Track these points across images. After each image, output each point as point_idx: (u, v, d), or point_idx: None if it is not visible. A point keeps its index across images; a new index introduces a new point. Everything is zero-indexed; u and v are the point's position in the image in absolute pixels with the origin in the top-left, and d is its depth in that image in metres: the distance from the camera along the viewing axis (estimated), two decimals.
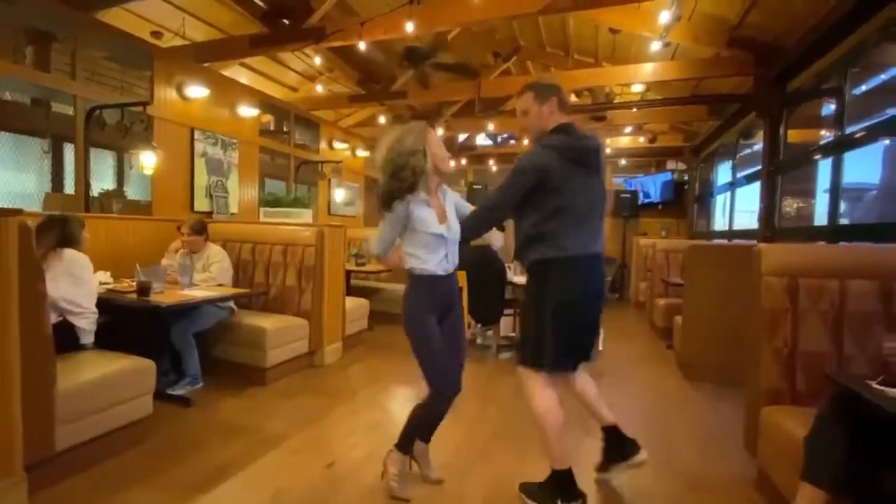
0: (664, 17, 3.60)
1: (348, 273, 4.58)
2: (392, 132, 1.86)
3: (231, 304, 3.23)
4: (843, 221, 3.51)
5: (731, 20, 4.02)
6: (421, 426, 1.99)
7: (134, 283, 2.74)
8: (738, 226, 5.90)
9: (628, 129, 7.44)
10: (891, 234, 2.67)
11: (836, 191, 3.28)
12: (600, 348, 3.92)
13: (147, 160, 3.81)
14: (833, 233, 3.27)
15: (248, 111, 5.03)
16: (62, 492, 1.90)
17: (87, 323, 2.33)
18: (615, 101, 6.22)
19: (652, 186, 8.52)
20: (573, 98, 6.49)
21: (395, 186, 1.78)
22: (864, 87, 3.63)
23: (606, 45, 5.51)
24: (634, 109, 6.42)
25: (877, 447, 1.36)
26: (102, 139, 4.25)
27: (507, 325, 4.70)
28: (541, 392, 1.88)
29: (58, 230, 2.32)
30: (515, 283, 3.98)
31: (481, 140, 7.66)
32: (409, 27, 3.61)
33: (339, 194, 7.16)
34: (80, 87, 3.69)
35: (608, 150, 8.78)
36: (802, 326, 2.02)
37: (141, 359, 2.30)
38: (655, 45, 4.19)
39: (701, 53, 4.56)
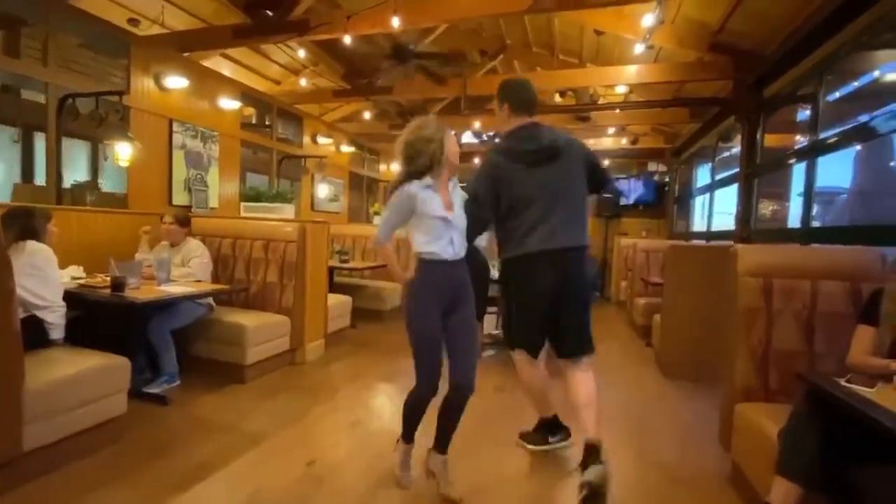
0: (648, 20, 3.64)
1: (331, 270, 4.54)
2: (413, 121, 1.90)
3: (210, 300, 3.16)
4: (816, 224, 3.62)
5: (713, 25, 4.10)
6: (408, 416, 1.98)
7: (108, 278, 2.66)
8: (716, 226, 6.04)
9: (611, 131, 7.54)
10: (859, 237, 2.77)
11: (809, 194, 3.38)
12: None
13: (123, 152, 3.69)
14: (806, 235, 3.37)
15: (229, 104, 4.93)
16: (31, 492, 1.83)
17: (55, 317, 2.25)
18: (599, 102, 6.29)
19: (635, 188, 8.66)
20: (557, 98, 6.54)
21: (409, 170, 1.83)
22: (837, 94, 3.76)
23: (591, 46, 5.56)
24: (617, 111, 6.51)
25: (849, 443, 1.40)
26: (76, 129, 4.11)
27: (490, 323, 4.72)
28: (521, 367, 2.29)
29: (20, 222, 2.24)
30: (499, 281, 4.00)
31: (467, 138, 7.69)
32: (395, 22, 3.58)
33: (323, 190, 7.08)
34: (52, 74, 3.55)
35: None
36: (776, 325, 2.08)
37: (114, 356, 2.24)
38: (639, 48, 4.25)
39: (683, 57, 4.65)
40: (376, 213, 6.41)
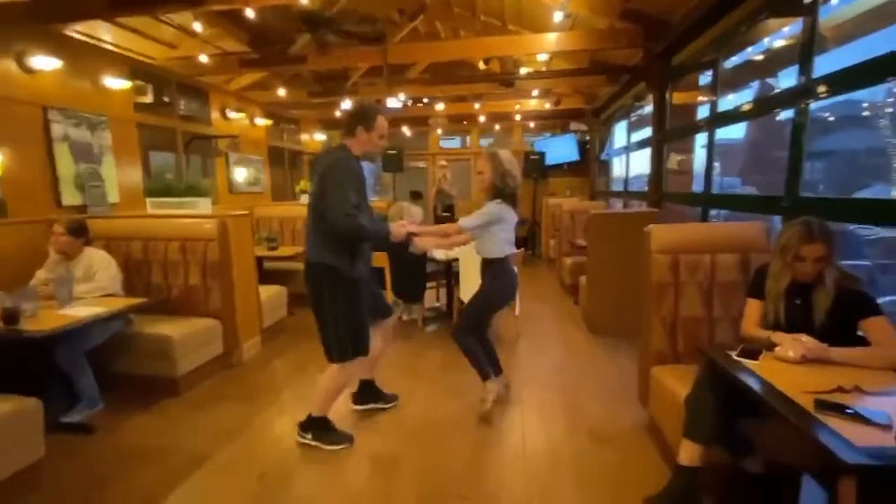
0: None
1: (260, 260, 4.33)
2: (505, 153, 2.61)
3: None
4: (716, 174, 4.00)
5: None
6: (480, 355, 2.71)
7: None
8: (634, 176, 6.48)
9: (535, 93, 7.63)
10: (748, 204, 3.13)
11: (710, 164, 3.72)
12: (516, 313, 4.19)
13: None
14: (707, 200, 3.75)
15: (117, 82, 4.33)
16: None
17: None
18: (522, 70, 6.33)
19: (558, 147, 8.95)
20: (482, 65, 6.47)
21: (502, 185, 2.54)
22: (735, 59, 4.08)
23: (512, 7, 5.49)
24: (539, 80, 6.61)
25: (739, 402, 1.65)
26: None
27: (430, 297, 4.81)
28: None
29: None
30: (436, 258, 4.06)
31: (392, 103, 7.42)
32: None
33: (241, 172, 6.58)
34: None
35: (518, 117, 8.99)
36: (682, 296, 2.33)
37: (22, 398, 2.02)
38: (557, 16, 4.27)
39: (597, 24, 4.74)
40: (303, 192, 6.10)
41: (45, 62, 3.57)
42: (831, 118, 11.65)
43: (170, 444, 2.43)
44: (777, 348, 1.70)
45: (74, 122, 3.88)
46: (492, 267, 2.64)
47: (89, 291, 2.84)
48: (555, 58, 5.90)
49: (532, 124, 9.63)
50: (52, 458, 2.14)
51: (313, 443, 2.37)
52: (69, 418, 2.57)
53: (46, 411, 2.10)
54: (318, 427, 2.39)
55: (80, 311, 2.50)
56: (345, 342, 2.28)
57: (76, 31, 4.45)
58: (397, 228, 2.39)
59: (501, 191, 2.53)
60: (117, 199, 4.31)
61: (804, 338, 1.65)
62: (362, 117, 2.28)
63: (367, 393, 2.78)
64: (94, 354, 2.73)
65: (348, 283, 2.25)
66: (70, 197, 3.82)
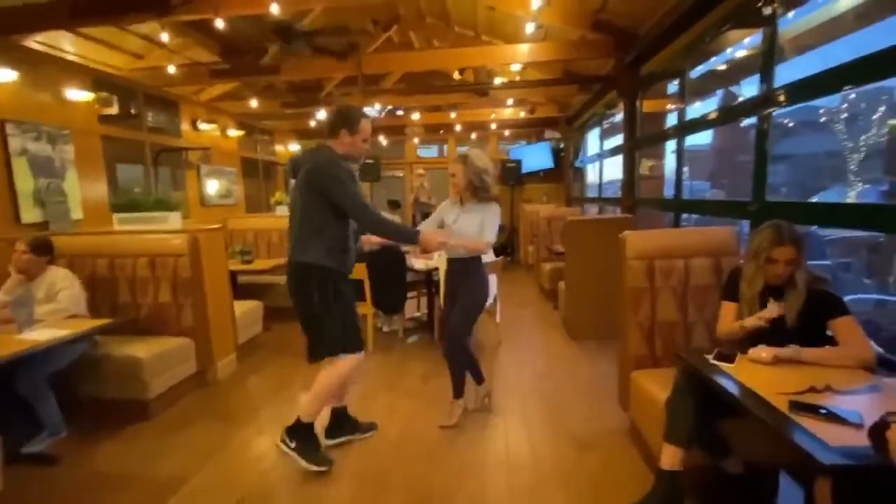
0: (536, 2, 3.72)
1: (234, 274, 4.22)
2: (475, 152, 2.60)
3: None
4: (685, 179, 4.11)
5: (595, 3, 4.30)
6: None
7: None
8: (607, 182, 6.61)
9: (510, 102, 7.74)
10: (718, 208, 3.23)
11: (679, 172, 3.84)
12: (497, 320, 4.19)
13: None
14: (678, 205, 3.86)
15: (79, 94, 4.17)
16: None
17: None
18: (496, 79, 6.42)
19: (534, 155, 9.07)
20: (456, 75, 6.52)
21: (479, 183, 2.52)
22: (700, 68, 4.23)
23: (485, 18, 5.56)
24: (512, 90, 6.70)
25: (715, 404, 1.68)
26: None
27: (410, 307, 4.77)
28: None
29: None
30: (416, 268, 4.03)
31: (368, 112, 7.43)
32: (275, 8, 3.23)
33: (213, 185, 6.42)
34: None
35: (493, 125, 9.07)
36: (658, 301, 2.37)
37: None
38: (529, 27, 4.34)
39: (569, 35, 4.85)
40: (278, 203, 5.99)
41: (1, 74, 3.42)
42: (790, 123, 12.22)
43: (141, 471, 2.32)
44: (751, 350, 1.74)
45: (34, 136, 3.71)
46: (474, 264, 2.61)
47: (51, 313, 2.69)
48: (528, 67, 6.00)
49: (507, 133, 9.75)
50: (11, 493, 2.02)
51: (292, 453, 2.23)
52: (30, 448, 2.42)
53: (5, 442, 1.98)
54: (303, 437, 2.27)
55: (42, 335, 2.37)
56: (338, 338, 2.24)
57: (36, 41, 4.29)
58: (432, 236, 2.31)
59: (480, 189, 2.52)
60: (81, 214, 4.14)
61: (763, 352, 1.69)
62: (346, 120, 2.23)
63: (341, 423, 2.56)
64: (57, 379, 2.58)
65: (339, 280, 2.23)
66: (30, 213, 3.65)
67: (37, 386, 2.48)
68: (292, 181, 2.30)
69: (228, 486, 2.19)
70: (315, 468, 2.23)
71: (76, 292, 2.85)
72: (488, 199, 2.55)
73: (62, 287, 2.81)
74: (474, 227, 2.53)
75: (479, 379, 2.81)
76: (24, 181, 3.62)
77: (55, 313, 2.70)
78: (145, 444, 2.59)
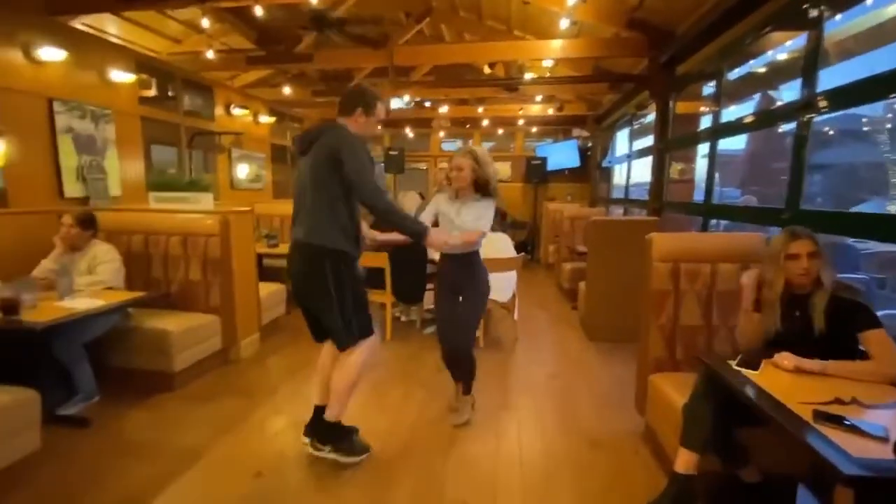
0: None
1: (260, 257, 4.33)
2: (480, 149, 2.54)
3: None
4: (716, 184, 4.03)
5: (632, 1, 4.22)
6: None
7: None
8: (634, 184, 6.50)
9: (539, 98, 7.67)
10: (746, 214, 3.14)
11: (711, 176, 3.75)
12: (515, 318, 4.19)
13: None
14: (708, 210, 3.77)
15: (122, 76, 4.32)
16: None
17: None
18: (526, 75, 6.36)
19: (560, 153, 8.98)
20: (486, 69, 6.49)
21: (485, 181, 2.46)
22: (737, 72, 4.11)
23: (518, 13, 5.52)
24: (543, 86, 6.63)
25: (736, 411, 1.66)
26: None
27: (429, 298, 4.80)
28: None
29: None
30: (436, 260, 4.05)
31: (396, 104, 7.45)
32: None
33: (243, 169, 6.57)
34: None
35: (520, 121, 8.98)
36: (682, 304, 2.34)
37: (19, 389, 2.02)
38: (564, 23, 4.29)
39: (603, 32, 4.77)
40: None
41: (51, 53, 3.57)
42: (830, 132, 11.74)
43: (164, 440, 2.43)
44: (775, 356, 1.71)
45: (79, 115, 3.87)
46: (474, 258, 2.54)
47: (91, 284, 2.83)
48: (559, 64, 5.93)
49: (534, 129, 9.66)
50: (47, 451, 2.14)
51: (329, 456, 2.17)
52: (66, 410, 2.55)
53: (43, 403, 2.10)
54: (335, 437, 2.20)
55: (80, 304, 2.50)
56: (351, 325, 2.14)
57: (83, 23, 4.47)
58: (437, 236, 2.19)
59: (485, 186, 2.45)
60: (119, 192, 4.30)
61: (787, 360, 1.66)
62: (363, 99, 2.16)
63: (313, 423, 2.30)
64: (93, 346, 2.72)
65: (352, 264, 2.16)
66: (72, 189, 3.82)
67: (73, 351, 2.62)
68: (301, 158, 2.16)
69: (246, 459, 2.27)
70: (357, 460, 2.21)
71: (116, 266, 2.98)
72: (489, 195, 2.48)
73: (104, 260, 2.94)
74: (474, 222, 2.46)
75: (470, 388, 2.72)
76: (69, 158, 3.78)
77: (94, 284, 2.84)
78: (169, 415, 2.70)
